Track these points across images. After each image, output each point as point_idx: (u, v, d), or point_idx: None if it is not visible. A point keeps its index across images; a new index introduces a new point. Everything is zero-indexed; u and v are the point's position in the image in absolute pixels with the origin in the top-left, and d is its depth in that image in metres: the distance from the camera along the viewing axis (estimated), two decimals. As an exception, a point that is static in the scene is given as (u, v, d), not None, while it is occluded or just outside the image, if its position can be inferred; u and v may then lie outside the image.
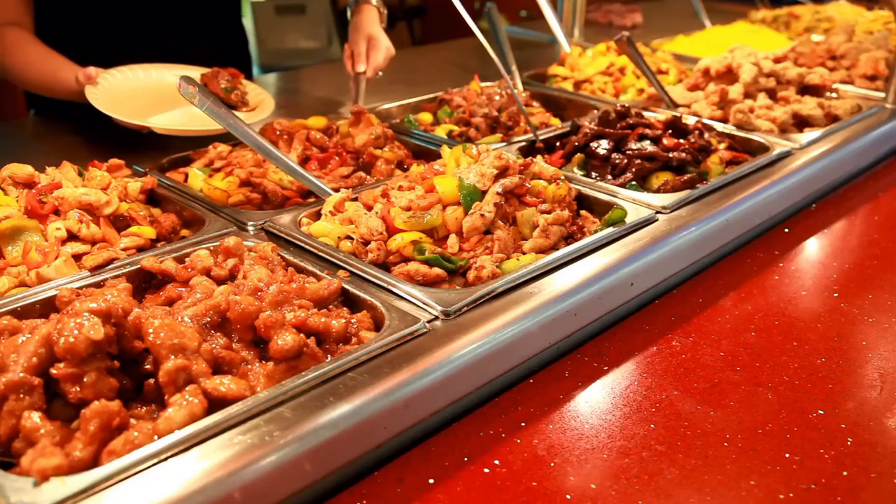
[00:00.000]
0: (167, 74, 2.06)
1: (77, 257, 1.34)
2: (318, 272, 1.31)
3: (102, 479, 0.86)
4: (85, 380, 0.93)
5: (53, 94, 1.97)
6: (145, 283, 1.30)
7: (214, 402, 0.98)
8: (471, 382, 1.16)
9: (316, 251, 1.38)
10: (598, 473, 1.06)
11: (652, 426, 1.16)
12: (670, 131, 1.85)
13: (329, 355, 1.11)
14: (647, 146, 1.77)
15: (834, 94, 2.38)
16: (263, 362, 1.07)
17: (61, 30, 2.09)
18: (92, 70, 1.81)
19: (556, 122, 2.19)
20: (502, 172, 1.47)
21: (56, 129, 2.16)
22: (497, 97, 2.18)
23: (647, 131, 1.81)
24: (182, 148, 1.86)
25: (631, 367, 1.31)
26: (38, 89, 2.00)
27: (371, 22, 2.23)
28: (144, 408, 1.00)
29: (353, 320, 1.18)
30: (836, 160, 1.99)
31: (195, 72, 2.02)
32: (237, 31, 2.56)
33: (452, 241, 1.39)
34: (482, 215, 1.39)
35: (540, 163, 1.57)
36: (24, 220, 1.36)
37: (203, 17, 2.32)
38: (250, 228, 1.47)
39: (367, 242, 1.38)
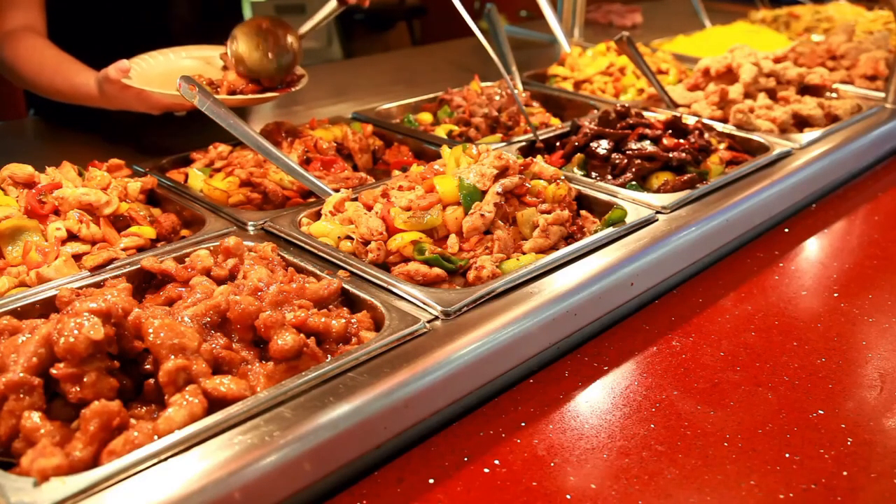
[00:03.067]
0: (184, 57, 2.04)
1: (77, 257, 1.34)
2: (318, 272, 1.31)
3: (102, 479, 0.86)
4: (85, 380, 0.93)
5: (67, 100, 1.94)
6: (145, 283, 1.30)
7: (214, 402, 0.98)
8: (471, 382, 1.16)
9: (316, 251, 1.38)
10: (598, 473, 1.06)
11: (652, 426, 1.16)
12: (670, 131, 1.85)
13: (329, 355, 1.11)
14: (647, 146, 1.77)
15: (834, 94, 2.38)
16: (263, 362, 1.07)
17: (68, 29, 2.08)
18: (124, 63, 1.78)
19: (556, 122, 2.18)
20: (502, 172, 1.47)
21: (56, 129, 2.17)
22: (497, 97, 2.18)
23: (647, 131, 1.81)
24: (182, 148, 1.86)
25: (631, 367, 1.31)
26: (51, 94, 1.97)
27: None
28: (144, 408, 1.00)
29: (353, 320, 1.18)
30: (836, 160, 1.99)
31: (212, 51, 2.01)
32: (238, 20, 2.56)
33: (452, 241, 1.39)
34: (482, 215, 1.39)
35: (540, 163, 1.57)
36: (24, 220, 1.36)
37: (207, 14, 2.32)
38: (250, 228, 1.47)
39: (367, 242, 1.38)
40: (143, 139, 1.96)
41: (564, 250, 1.38)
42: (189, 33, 2.27)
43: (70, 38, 2.01)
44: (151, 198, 1.62)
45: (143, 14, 2.20)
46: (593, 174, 1.80)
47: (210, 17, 2.35)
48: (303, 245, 1.40)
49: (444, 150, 1.63)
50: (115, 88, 1.78)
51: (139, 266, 1.28)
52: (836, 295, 1.55)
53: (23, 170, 1.46)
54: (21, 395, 0.92)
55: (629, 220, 1.51)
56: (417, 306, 1.21)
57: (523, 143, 1.94)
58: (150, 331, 1.00)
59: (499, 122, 2.08)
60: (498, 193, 1.42)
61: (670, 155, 1.76)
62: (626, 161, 1.75)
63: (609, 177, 1.76)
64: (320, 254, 1.37)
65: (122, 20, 2.18)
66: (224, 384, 0.99)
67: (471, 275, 1.33)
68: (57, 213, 1.41)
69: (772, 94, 2.25)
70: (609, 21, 3.89)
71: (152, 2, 2.20)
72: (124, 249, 1.38)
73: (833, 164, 1.98)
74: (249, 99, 1.83)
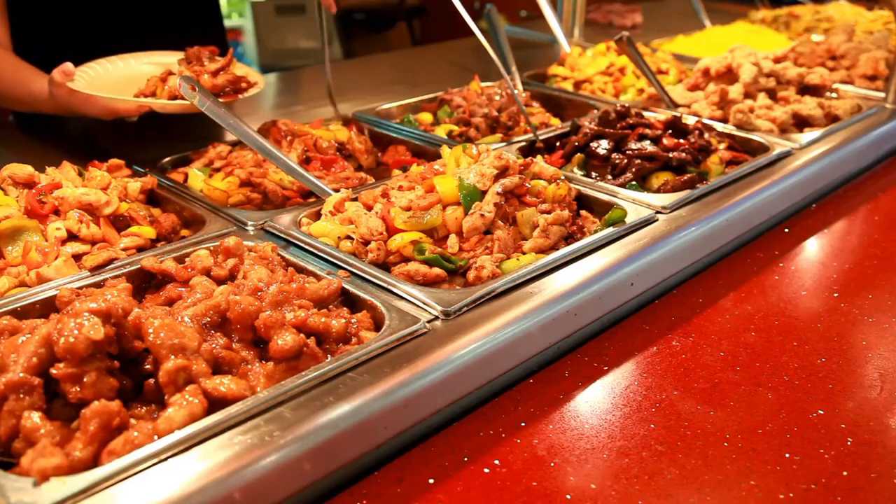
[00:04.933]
0: (144, 63, 2.02)
1: (77, 257, 1.34)
2: (318, 272, 1.31)
3: (102, 479, 0.86)
4: (85, 380, 0.93)
5: (26, 108, 1.93)
6: (145, 283, 1.30)
7: (214, 402, 0.98)
8: (471, 382, 1.16)
9: (316, 251, 1.38)
10: (598, 473, 1.06)
11: (652, 426, 1.16)
12: (670, 131, 1.85)
13: (329, 355, 1.11)
14: (647, 146, 1.77)
15: (834, 94, 2.38)
16: (263, 362, 1.07)
17: (37, 30, 2.05)
18: (68, 66, 1.75)
19: (556, 122, 2.18)
20: (502, 172, 1.47)
21: (55, 130, 2.16)
22: (497, 97, 2.18)
23: (647, 131, 1.81)
24: (182, 148, 1.86)
25: (631, 367, 1.31)
26: (9, 103, 1.96)
27: None
28: (144, 408, 1.00)
29: (353, 320, 1.18)
30: (836, 160, 1.99)
31: (172, 57, 1.98)
32: (216, 28, 2.53)
33: (452, 241, 1.39)
34: (482, 215, 1.39)
35: (540, 163, 1.57)
36: (24, 220, 1.36)
37: (181, 14, 2.30)
38: (250, 228, 1.47)
39: (367, 242, 1.38)
40: (143, 139, 1.96)
41: (564, 250, 1.38)
42: (165, 33, 2.24)
43: (35, 48, 1.98)
44: (151, 198, 1.62)
45: (114, 13, 2.17)
46: (593, 174, 1.80)
47: (187, 15, 2.32)
48: (303, 245, 1.40)
49: (444, 150, 1.63)
50: (62, 92, 1.76)
51: (139, 266, 1.28)
52: (836, 295, 1.55)
53: (23, 170, 1.46)
54: (21, 395, 0.92)
55: (629, 220, 1.51)
56: (417, 306, 1.21)
57: (523, 143, 1.94)
58: (150, 331, 1.00)
59: (499, 122, 2.08)
60: (498, 193, 1.42)
61: (670, 155, 1.76)
62: (626, 161, 1.75)
63: (609, 177, 1.76)
64: (320, 254, 1.37)
65: (93, 20, 2.15)
66: (224, 384, 0.99)
67: (471, 275, 1.33)
68: (57, 213, 1.41)
69: (772, 94, 2.25)
70: (609, 21, 3.89)
71: (124, 12, 2.18)
72: (124, 249, 1.38)
73: (833, 164, 1.98)
74: (192, 105, 1.69)
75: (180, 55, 1.94)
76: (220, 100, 1.77)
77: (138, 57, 2.04)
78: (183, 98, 1.63)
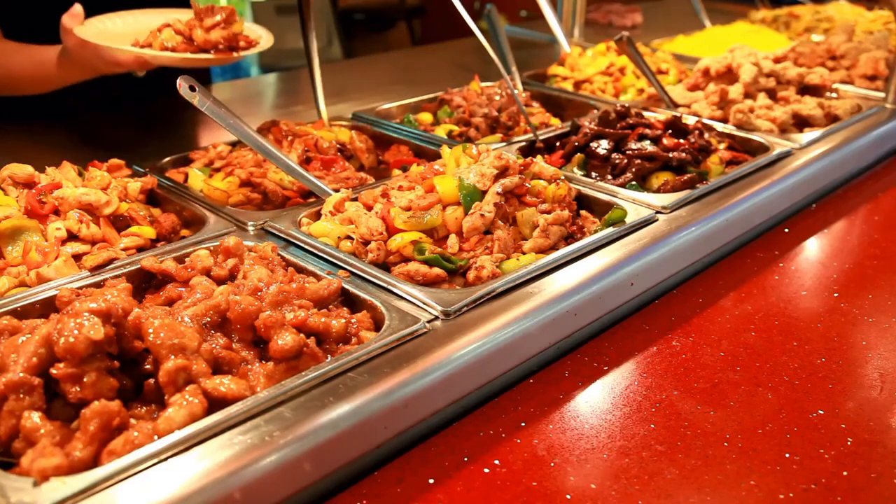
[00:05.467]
0: (153, 18, 1.96)
1: (77, 257, 1.34)
2: (318, 272, 1.31)
3: (102, 479, 0.86)
4: (85, 380, 0.93)
5: (35, 84, 1.90)
6: (145, 283, 1.30)
7: (214, 402, 0.98)
8: (471, 382, 1.16)
9: (316, 251, 1.38)
10: (598, 473, 1.06)
11: (652, 426, 1.16)
12: (670, 131, 1.85)
13: (329, 355, 1.11)
14: (647, 146, 1.77)
15: (834, 94, 2.38)
16: (263, 362, 1.07)
17: (21, 15, 2.03)
18: (77, 7, 1.71)
19: (556, 122, 2.18)
20: (502, 172, 1.47)
21: (55, 129, 2.17)
22: (497, 97, 2.18)
23: (647, 131, 1.81)
24: (182, 148, 1.86)
25: (631, 367, 1.31)
26: (17, 82, 1.93)
27: None
28: (144, 408, 1.00)
29: (353, 320, 1.18)
30: (836, 160, 1.99)
31: (184, 14, 1.90)
32: None
33: (452, 241, 1.39)
34: (482, 215, 1.39)
35: (540, 163, 1.58)
36: (24, 220, 1.36)
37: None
38: (250, 228, 1.47)
39: (367, 242, 1.38)
40: (143, 139, 1.96)
41: (564, 250, 1.38)
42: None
43: (19, 25, 1.97)
44: (151, 198, 1.62)
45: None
46: (593, 174, 1.80)
47: None
48: (303, 245, 1.40)
49: (444, 150, 1.63)
50: (74, 43, 1.73)
51: (139, 266, 1.28)
52: (836, 295, 1.55)
53: (23, 170, 1.46)
54: (21, 395, 0.92)
55: (629, 220, 1.51)
56: (417, 306, 1.21)
57: (523, 143, 1.94)
58: (150, 331, 1.00)
59: (499, 122, 2.08)
60: (498, 193, 1.42)
61: (670, 155, 1.76)
62: (626, 161, 1.75)
63: (609, 177, 1.76)
64: (320, 254, 1.37)
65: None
66: (224, 384, 0.99)
67: (471, 275, 1.33)
68: (57, 213, 1.40)
69: (772, 94, 2.25)
70: (609, 21, 3.89)
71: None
72: (124, 249, 1.37)
73: (833, 164, 1.98)
74: (183, 59, 1.68)
75: (188, 12, 1.85)
76: (212, 55, 1.75)
77: (162, 12, 1.98)
78: (175, 51, 1.61)
